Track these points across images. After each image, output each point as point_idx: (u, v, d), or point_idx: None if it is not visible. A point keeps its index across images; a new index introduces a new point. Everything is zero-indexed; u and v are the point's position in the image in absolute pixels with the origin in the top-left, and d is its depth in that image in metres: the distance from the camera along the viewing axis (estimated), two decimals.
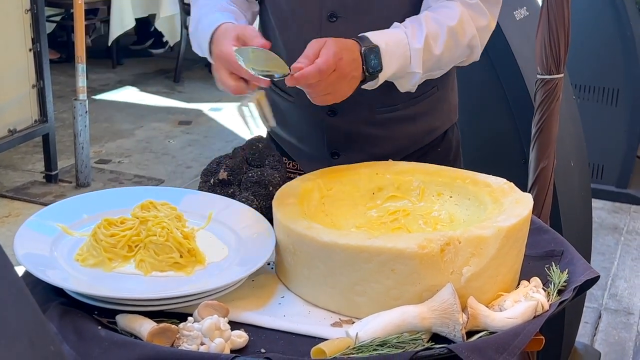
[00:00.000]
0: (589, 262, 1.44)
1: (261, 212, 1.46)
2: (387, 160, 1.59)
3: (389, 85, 1.60)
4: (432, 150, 1.79)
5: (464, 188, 1.48)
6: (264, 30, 1.77)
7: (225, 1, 1.68)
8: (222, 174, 1.52)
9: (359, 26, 1.57)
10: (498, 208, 1.37)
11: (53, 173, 4.60)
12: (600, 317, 3.40)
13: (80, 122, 4.42)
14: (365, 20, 1.60)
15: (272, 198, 1.43)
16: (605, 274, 3.72)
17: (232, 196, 1.50)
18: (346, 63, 1.44)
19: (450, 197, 1.50)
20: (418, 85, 1.60)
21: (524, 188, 1.58)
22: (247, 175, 1.51)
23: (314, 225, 1.30)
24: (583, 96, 4.35)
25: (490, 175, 1.49)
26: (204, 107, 6.05)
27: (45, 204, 4.24)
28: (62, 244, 1.32)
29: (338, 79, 1.44)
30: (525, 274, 1.36)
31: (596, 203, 3.82)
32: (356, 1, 1.61)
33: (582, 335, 3.17)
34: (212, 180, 1.53)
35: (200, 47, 1.64)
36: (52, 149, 4.56)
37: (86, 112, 4.42)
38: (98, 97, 6.20)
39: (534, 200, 1.49)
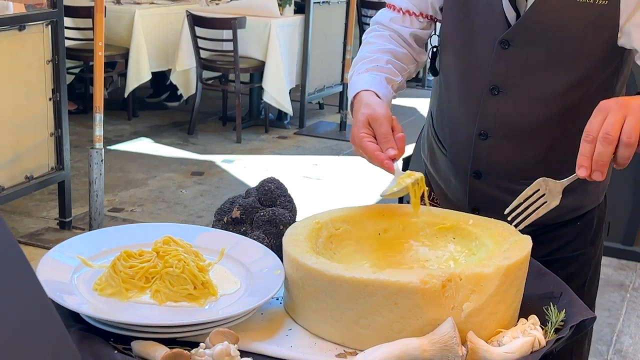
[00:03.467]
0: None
1: (272, 250, 1.53)
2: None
3: (539, 158, 1.65)
4: (572, 223, 1.77)
5: (466, 230, 1.54)
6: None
7: (386, 54, 1.73)
8: (235, 213, 1.59)
9: (520, 101, 1.64)
10: (499, 249, 1.43)
11: (67, 220, 4.68)
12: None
13: (96, 170, 4.51)
14: (526, 95, 1.65)
15: (283, 236, 1.49)
16: (610, 330, 3.74)
17: (244, 234, 1.57)
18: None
19: (454, 238, 1.56)
20: (565, 165, 1.57)
21: None
22: (259, 214, 1.58)
23: (321, 259, 1.36)
24: None
25: (492, 219, 1.55)
26: (217, 158, 6.15)
27: None
28: (81, 274, 1.39)
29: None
30: (524, 313, 1.41)
31: (603, 260, 3.84)
32: (518, 77, 1.65)
33: None
34: (225, 219, 1.60)
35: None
36: (67, 196, 4.65)
37: (102, 160, 4.51)
38: (113, 147, 6.32)
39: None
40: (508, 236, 1.47)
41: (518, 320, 1.39)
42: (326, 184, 5.66)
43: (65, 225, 4.69)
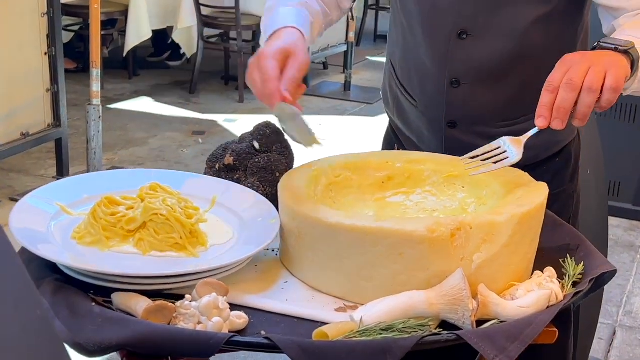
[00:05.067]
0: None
1: (267, 199, 1.42)
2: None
3: (512, 99, 1.58)
4: (550, 160, 1.71)
5: (476, 177, 1.43)
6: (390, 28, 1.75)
7: None
8: (228, 159, 1.48)
9: (489, 42, 1.55)
10: (512, 196, 1.32)
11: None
12: (614, 333, 3.32)
13: (94, 127, 4.40)
14: (493, 38, 1.57)
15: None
16: (620, 291, 3.65)
17: (237, 182, 1.46)
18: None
19: (463, 187, 1.45)
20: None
21: None
22: (254, 160, 1.47)
23: (319, 207, 1.26)
24: (601, 113, 4.29)
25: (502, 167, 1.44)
26: (219, 118, 6.03)
27: None
28: (59, 222, 1.28)
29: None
30: (540, 265, 1.31)
31: (612, 221, 3.75)
32: (486, 16, 1.57)
33: (596, 351, 3.09)
34: (217, 166, 1.49)
35: (263, 35, 1.57)
36: (65, 154, 4.54)
37: (99, 117, 4.39)
38: (113, 106, 6.20)
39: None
40: (522, 184, 1.36)
41: (533, 273, 1.29)
42: (330, 144, 5.54)
43: None
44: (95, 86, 4.37)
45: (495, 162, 1.38)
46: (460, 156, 1.59)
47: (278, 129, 1.53)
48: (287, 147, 1.51)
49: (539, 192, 1.30)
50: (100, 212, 1.25)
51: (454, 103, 1.63)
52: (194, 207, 1.31)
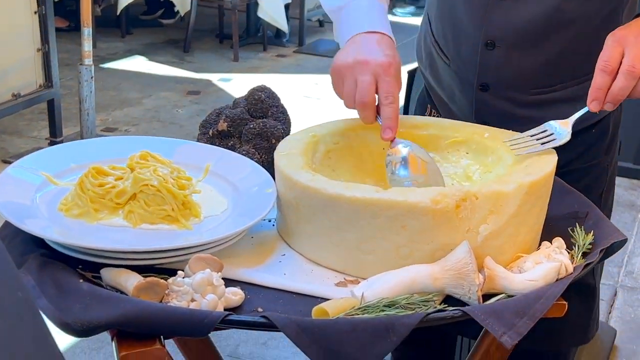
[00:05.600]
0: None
1: (263, 167, 1.36)
2: None
3: (551, 64, 1.49)
4: (586, 131, 1.61)
5: (482, 144, 1.37)
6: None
7: None
8: (222, 125, 1.41)
9: (528, 6, 1.47)
10: (519, 164, 1.26)
11: (58, 140, 4.51)
12: (616, 294, 3.29)
13: (86, 87, 4.31)
14: (534, 1, 1.48)
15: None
16: (621, 252, 3.60)
17: (232, 149, 1.40)
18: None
19: (467, 153, 1.39)
20: (578, 68, 1.48)
21: None
22: (249, 126, 1.41)
23: (318, 176, 1.20)
24: None
25: (510, 131, 1.38)
26: (213, 77, 5.94)
27: None
28: (45, 193, 1.22)
29: None
30: (547, 235, 1.26)
31: None
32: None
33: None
34: (210, 132, 1.43)
35: (336, 30, 1.48)
36: (57, 115, 4.46)
37: (92, 77, 4.31)
38: (106, 65, 6.10)
39: None
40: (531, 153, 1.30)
41: (541, 244, 1.23)
42: (327, 103, 5.46)
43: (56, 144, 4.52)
44: (87, 46, 4.27)
45: (542, 143, 1.31)
46: (488, 120, 1.53)
47: (273, 92, 1.47)
48: (284, 112, 1.45)
49: (548, 159, 1.25)
50: (88, 183, 1.19)
51: (487, 66, 1.54)
52: (186, 177, 1.25)
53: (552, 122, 1.34)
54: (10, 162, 4.42)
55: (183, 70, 6.10)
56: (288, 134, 1.43)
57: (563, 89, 1.52)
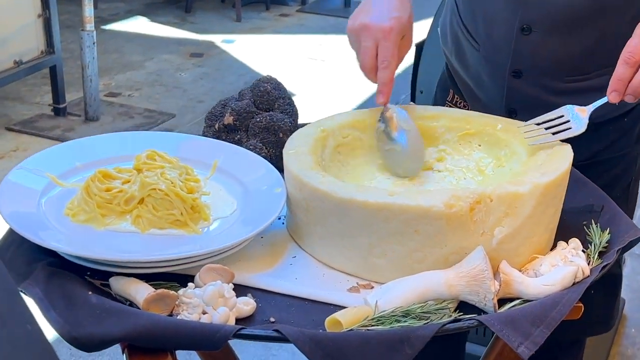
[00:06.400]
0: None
1: (270, 161, 1.33)
2: None
3: (586, 51, 1.44)
4: (617, 120, 1.56)
5: (494, 136, 1.34)
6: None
7: None
8: (228, 119, 1.38)
9: (552, 39, 1.43)
10: (533, 160, 1.23)
11: (61, 106, 4.47)
12: (624, 262, 3.28)
13: (88, 53, 4.26)
14: (559, 34, 1.45)
15: (283, 145, 1.30)
16: None
17: (238, 143, 1.37)
18: None
19: (479, 145, 1.36)
20: (614, 55, 1.40)
21: None
22: (255, 119, 1.38)
23: (328, 178, 1.17)
24: None
25: (524, 122, 1.35)
26: (216, 38, 5.87)
27: (54, 138, 4.18)
28: (50, 198, 1.20)
29: None
30: (562, 232, 1.23)
31: None
32: (554, 16, 1.44)
33: None
34: (216, 125, 1.40)
35: None
36: (60, 81, 4.42)
37: (94, 43, 4.26)
38: (107, 27, 6.03)
39: None
40: (544, 144, 1.27)
41: (556, 243, 1.21)
42: (332, 65, 5.39)
43: (60, 111, 4.48)
44: (88, 11, 4.21)
45: (556, 132, 1.28)
46: (518, 107, 1.49)
47: (279, 83, 1.43)
48: (291, 104, 1.42)
49: (564, 156, 1.22)
50: (95, 188, 1.17)
51: (521, 51, 1.48)
52: (195, 178, 1.23)
53: (570, 107, 1.30)
54: (13, 130, 4.41)
55: (185, 32, 6.03)
56: (296, 126, 1.40)
57: (598, 77, 1.46)
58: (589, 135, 1.29)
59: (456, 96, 1.67)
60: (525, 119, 1.35)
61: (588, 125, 1.28)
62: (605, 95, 1.27)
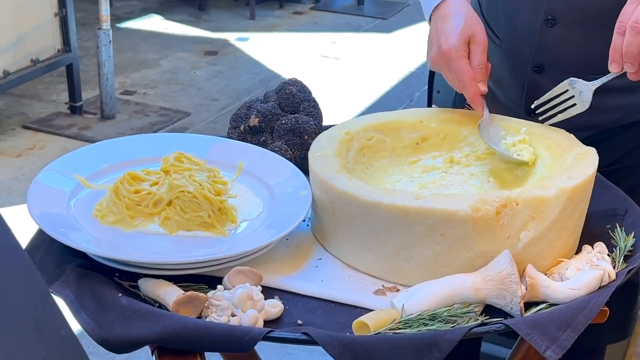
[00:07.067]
0: None
1: (295, 163, 1.34)
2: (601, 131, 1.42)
3: (608, 49, 1.41)
4: (637, 125, 1.52)
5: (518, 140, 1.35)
6: None
7: None
8: (253, 120, 1.39)
9: (577, 32, 1.43)
10: (559, 164, 1.24)
11: (78, 104, 4.49)
12: None
13: (104, 52, 4.28)
14: (584, 28, 1.44)
15: (307, 147, 1.31)
16: None
17: (264, 145, 1.38)
18: None
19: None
20: None
21: None
22: (280, 122, 1.38)
23: (354, 181, 1.18)
24: None
25: (548, 126, 1.35)
26: (230, 36, 5.88)
27: (70, 136, 4.20)
28: (78, 200, 1.21)
29: None
30: (586, 236, 1.24)
31: None
32: (580, 7, 1.42)
33: None
34: (242, 127, 1.40)
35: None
36: (76, 79, 4.44)
37: (110, 41, 4.28)
38: (123, 25, 6.05)
39: None
40: (568, 148, 1.28)
41: (581, 247, 1.21)
42: (345, 63, 5.40)
43: (76, 109, 4.50)
44: (105, 9, 4.23)
45: (561, 111, 1.31)
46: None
47: (304, 86, 1.44)
48: (315, 106, 1.43)
49: (589, 161, 1.22)
50: (124, 190, 1.18)
51: (545, 44, 1.47)
52: (222, 181, 1.24)
53: (576, 81, 1.33)
54: (30, 128, 4.43)
55: (199, 30, 6.05)
56: (320, 128, 1.40)
57: (620, 77, 1.45)
58: (609, 141, 1.30)
59: None
60: (545, 121, 1.36)
61: (609, 129, 1.28)
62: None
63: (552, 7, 1.43)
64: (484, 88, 1.36)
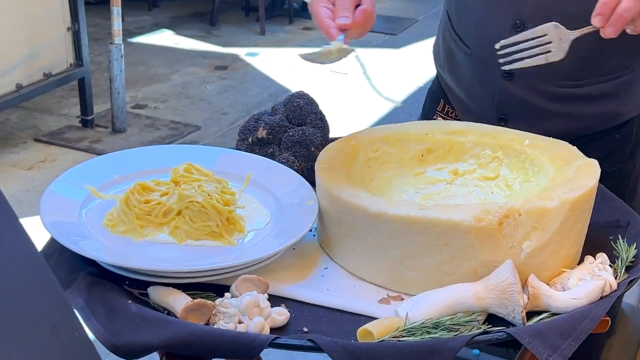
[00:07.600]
0: None
1: (302, 174, 1.37)
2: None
3: (580, 58, 1.44)
4: (608, 134, 1.56)
5: (522, 152, 1.37)
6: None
7: None
8: (261, 132, 1.42)
9: None
10: (561, 176, 1.26)
11: (89, 118, 4.54)
12: None
13: (116, 66, 4.33)
14: None
15: (314, 159, 1.33)
16: None
17: (271, 156, 1.41)
18: None
19: (506, 160, 1.39)
20: (609, 64, 1.42)
21: None
22: (288, 134, 1.41)
23: (360, 193, 1.20)
24: None
25: (551, 139, 1.37)
26: (240, 51, 5.93)
27: (81, 149, 4.24)
28: (91, 208, 1.24)
29: None
30: (588, 246, 1.25)
31: None
32: (548, 12, 1.42)
33: (629, 297, 3.05)
34: (250, 139, 1.43)
35: None
36: (88, 93, 4.49)
37: (122, 56, 4.33)
38: (134, 40, 6.11)
39: None
40: (571, 160, 1.30)
41: (583, 257, 1.23)
42: (354, 78, 5.44)
43: (88, 123, 4.54)
44: (117, 24, 4.28)
45: (534, 55, 1.28)
46: (510, 113, 1.49)
47: (311, 99, 1.46)
48: (322, 119, 1.45)
49: (591, 172, 1.24)
50: (134, 200, 1.21)
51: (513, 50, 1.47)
52: (230, 191, 1.26)
53: (556, 27, 1.31)
54: (42, 141, 4.47)
55: (210, 45, 6.10)
56: (327, 140, 1.43)
57: (590, 85, 1.47)
58: (581, 148, 1.31)
59: (447, 106, 1.69)
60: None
61: (579, 137, 1.28)
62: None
63: (521, 12, 1.46)
64: (344, 21, 1.31)
